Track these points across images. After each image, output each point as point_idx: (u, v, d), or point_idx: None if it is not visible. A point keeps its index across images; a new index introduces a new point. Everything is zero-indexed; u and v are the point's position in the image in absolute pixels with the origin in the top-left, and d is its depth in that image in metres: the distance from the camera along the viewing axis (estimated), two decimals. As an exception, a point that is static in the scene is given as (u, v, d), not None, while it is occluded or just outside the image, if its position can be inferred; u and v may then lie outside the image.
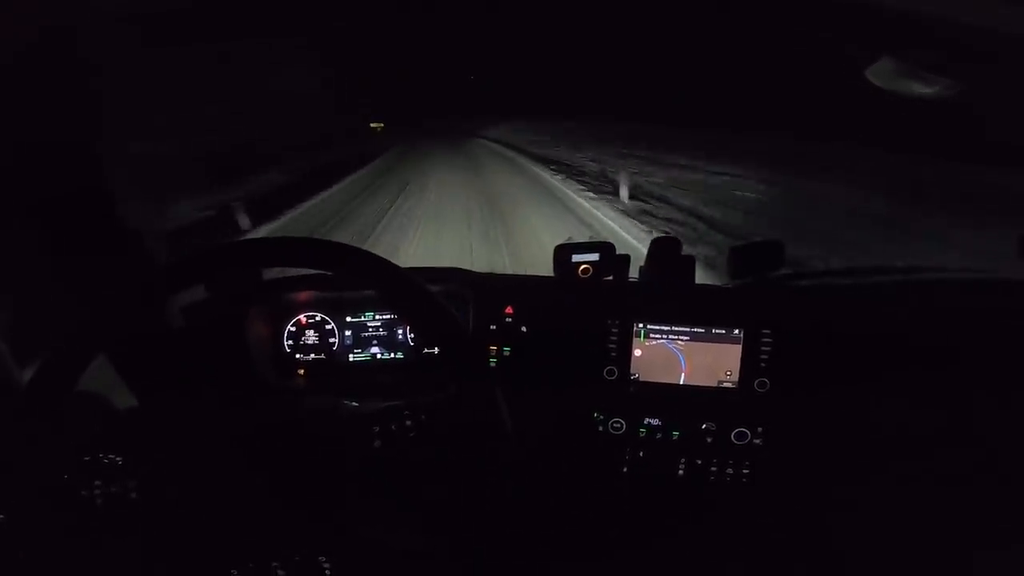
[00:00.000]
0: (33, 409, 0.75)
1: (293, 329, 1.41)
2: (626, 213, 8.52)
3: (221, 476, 0.79)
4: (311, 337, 1.41)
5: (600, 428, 1.29)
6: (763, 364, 1.24)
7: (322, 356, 1.41)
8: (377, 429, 0.81)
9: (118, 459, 0.77)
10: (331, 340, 1.41)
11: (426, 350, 1.42)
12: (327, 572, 0.79)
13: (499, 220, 8.20)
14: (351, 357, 1.42)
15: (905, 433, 1.23)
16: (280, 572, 0.78)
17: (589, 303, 1.31)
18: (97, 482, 0.75)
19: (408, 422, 0.81)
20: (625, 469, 1.31)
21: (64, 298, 1.16)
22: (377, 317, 1.41)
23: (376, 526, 0.81)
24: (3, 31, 0.90)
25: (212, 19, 1.10)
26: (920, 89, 0.96)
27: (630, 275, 1.39)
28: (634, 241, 6.68)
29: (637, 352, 1.28)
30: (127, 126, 1.20)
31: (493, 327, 1.32)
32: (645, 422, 1.28)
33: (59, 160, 1.05)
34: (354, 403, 0.87)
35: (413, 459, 0.81)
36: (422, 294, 0.79)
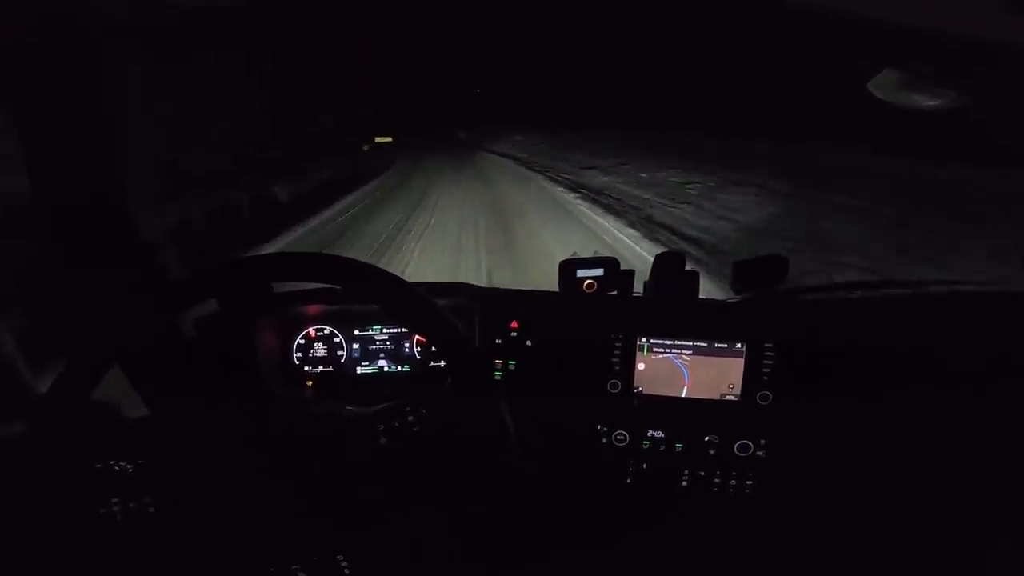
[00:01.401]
0: (50, 418, 0.78)
1: (302, 342, 1.43)
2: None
3: (233, 483, 0.81)
4: (320, 350, 1.43)
5: (604, 440, 1.31)
6: (765, 377, 1.25)
7: (330, 368, 1.44)
8: (381, 427, 0.83)
9: (128, 467, 0.79)
10: (339, 353, 1.44)
11: (432, 363, 1.44)
12: (345, 570, 0.81)
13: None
14: (359, 370, 1.44)
15: (907, 445, 1.23)
16: (301, 574, 0.79)
17: (593, 318, 1.32)
18: (115, 499, 0.78)
19: (410, 417, 0.83)
20: (629, 481, 1.32)
21: (78, 309, 1.19)
22: (385, 331, 1.43)
23: (386, 521, 0.82)
24: (21, 40, 0.94)
25: (214, 30, 1.13)
26: (924, 101, 0.97)
27: (635, 289, 1.40)
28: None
29: (640, 366, 1.29)
30: (140, 137, 1.23)
31: (499, 341, 1.34)
32: (648, 434, 1.29)
33: (74, 172, 1.08)
34: (357, 407, 0.89)
35: (418, 453, 0.83)
36: (427, 308, 0.81)
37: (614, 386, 1.30)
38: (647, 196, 10.73)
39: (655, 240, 7.62)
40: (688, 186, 11.15)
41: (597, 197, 11.32)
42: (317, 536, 0.81)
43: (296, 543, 0.81)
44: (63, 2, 0.97)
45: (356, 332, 1.43)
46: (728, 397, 1.27)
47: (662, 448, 1.29)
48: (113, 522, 0.77)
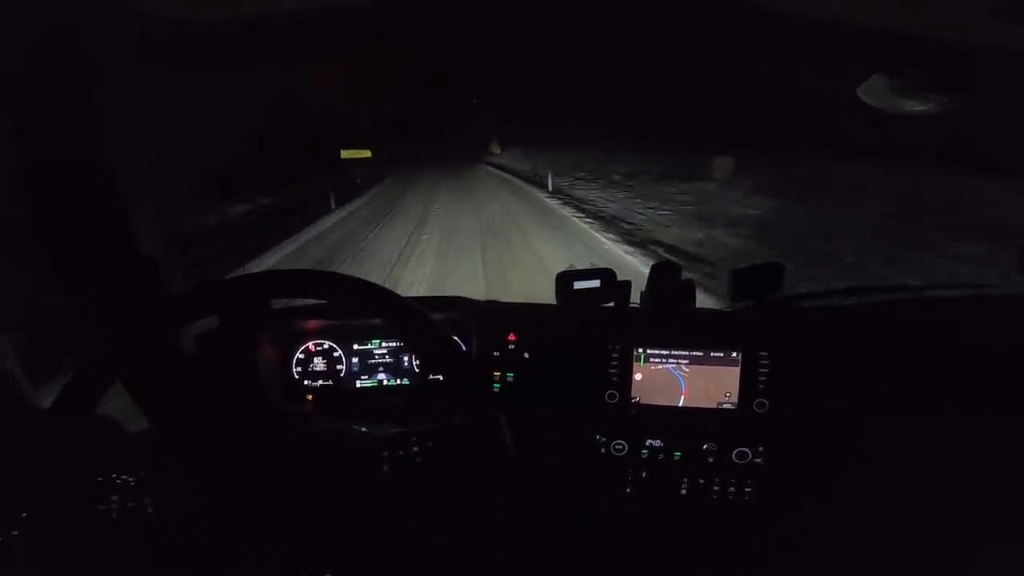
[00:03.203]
0: (53, 432, 0.79)
1: (302, 356, 1.44)
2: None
3: (232, 497, 0.81)
4: (319, 364, 1.44)
5: (602, 450, 1.31)
6: (762, 385, 1.26)
7: (330, 382, 1.44)
8: (386, 454, 0.84)
9: (131, 480, 0.80)
10: (338, 367, 1.44)
11: (431, 376, 1.45)
12: None
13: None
14: (358, 383, 1.45)
15: (905, 450, 1.24)
16: None
17: (590, 329, 1.33)
18: (114, 497, 0.78)
19: (415, 448, 0.84)
20: (628, 490, 1.32)
21: (80, 324, 1.19)
22: (384, 344, 1.44)
23: (381, 546, 0.83)
24: (20, 49, 0.96)
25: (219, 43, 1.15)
26: (913, 106, 0.99)
27: (631, 300, 1.41)
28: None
29: (637, 376, 1.30)
30: (143, 151, 1.24)
31: (496, 354, 1.35)
32: (647, 443, 1.30)
33: (75, 187, 1.09)
34: (364, 429, 0.89)
35: (420, 483, 0.83)
36: (422, 321, 0.82)
37: (612, 396, 1.31)
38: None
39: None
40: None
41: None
42: (308, 553, 0.81)
43: (286, 558, 0.81)
44: (62, 16, 0.99)
45: (355, 346, 1.44)
46: (725, 405, 1.28)
47: (661, 457, 1.30)
48: (108, 520, 0.78)
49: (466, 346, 1.38)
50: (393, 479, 0.83)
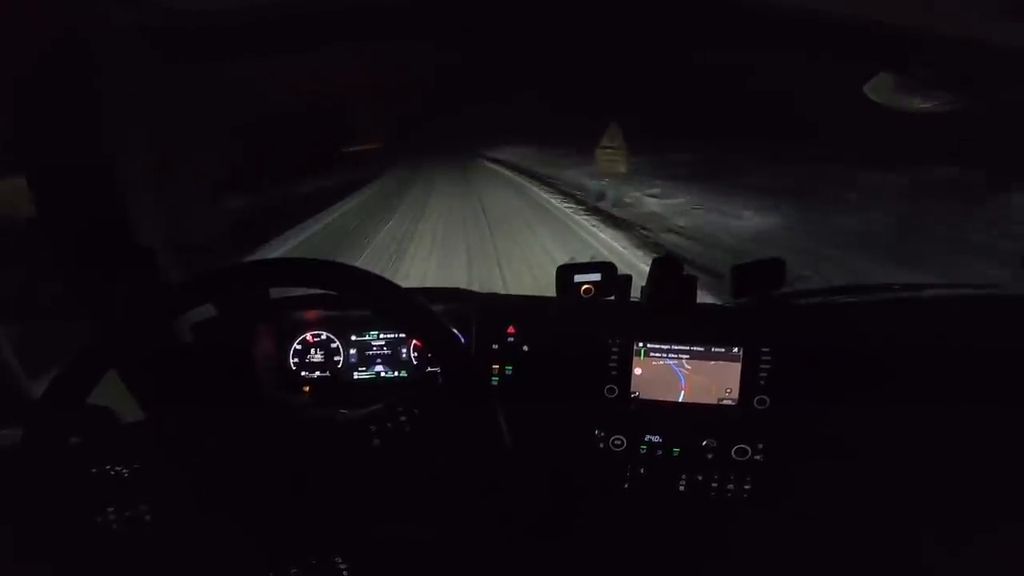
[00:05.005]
0: (45, 422, 0.78)
1: (299, 347, 1.43)
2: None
3: (229, 488, 0.81)
4: (316, 355, 1.43)
5: (601, 445, 1.30)
6: (762, 381, 1.25)
7: (327, 374, 1.44)
8: (374, 428, 0.83)
9: (124, 471, 0.79)
10: (336, 358, 1.44)
11: (429, 368, 1.44)
12: (344, 572, 0.81)
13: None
14: (355, 375, 1.44)
15: (904, 448, 1.23)
16: None
17: (590, 323, 1.32)
18: (111, 508, 0.78)
19: (403, 418, 0.83)
20: (626, 485, 1.31)
21: (76, 313, 1.19)
22: (382, 336, 1.43)
23: (384, 522, 0.82)
24: (22, 43, 0.95)
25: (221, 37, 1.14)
26: (918, 104, 0.98)
27: (632, 295, 1.40)
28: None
29: (637, 371, 1.29)
30: (141, 141, 1.23)
31: (495, 346, 1.34)
32: (646, 439, 1.29)
33: (73, 176, 1.08)
34: (350, 411, 0.89)
35: (412, 454, 0.83)
36: (423, 314, 0.82)
37: (611, 391, 1.30)
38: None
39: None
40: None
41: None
42: (314, 539, 0.81)
43: (293, 547, 0.80)
44: (62, 7, 0.98)
45: (353, 337, 1.43)
46: (726, 401, 1.27)
47: (659, 453, 1.29)
48: (109, 531, 0.77)
49: (465, 338, 1.37)
50: (385, 452, 0.82)
